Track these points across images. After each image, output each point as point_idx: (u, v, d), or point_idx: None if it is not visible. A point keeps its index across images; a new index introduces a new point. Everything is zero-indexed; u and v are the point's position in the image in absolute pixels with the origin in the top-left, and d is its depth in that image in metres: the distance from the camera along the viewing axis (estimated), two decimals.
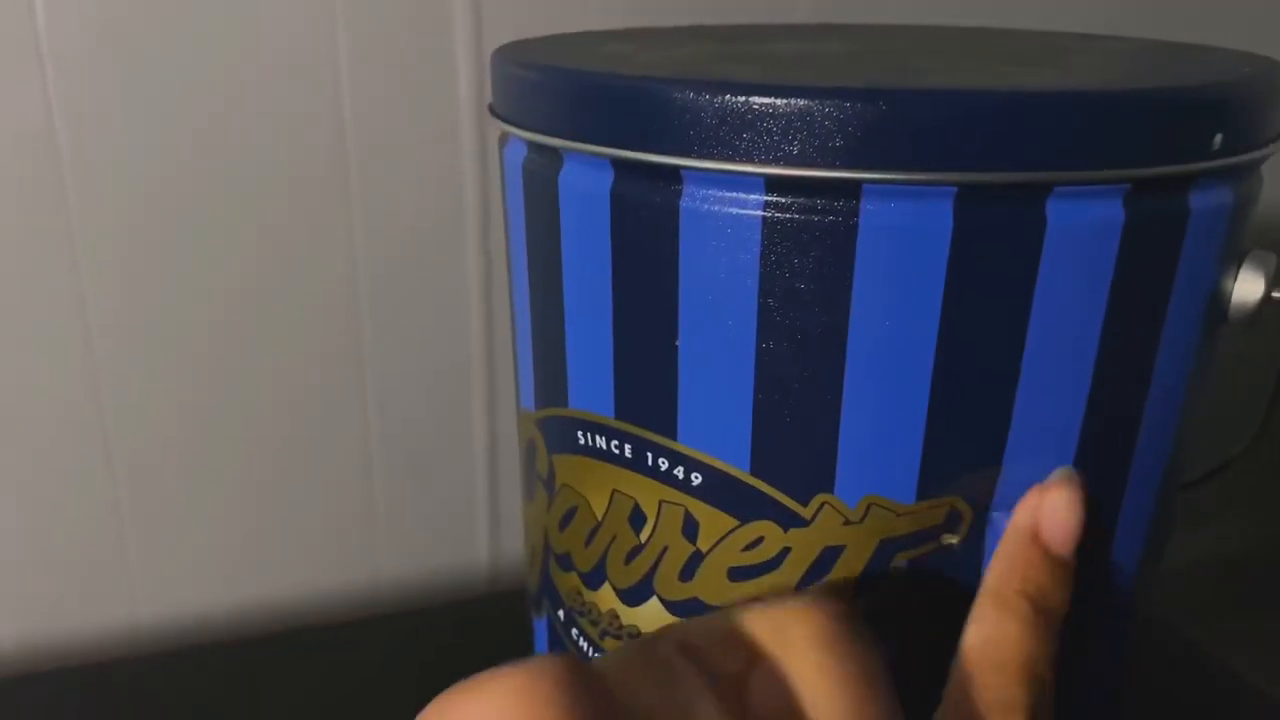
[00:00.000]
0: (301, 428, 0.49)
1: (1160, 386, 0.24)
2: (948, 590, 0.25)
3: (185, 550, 0.50)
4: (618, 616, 0.28)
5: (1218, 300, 0.24)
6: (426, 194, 0.47)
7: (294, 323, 0.47)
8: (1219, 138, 0.22)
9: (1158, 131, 0.21)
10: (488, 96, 0.44)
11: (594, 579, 0.29)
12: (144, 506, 0.48)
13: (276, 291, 0.46)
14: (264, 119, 0.43)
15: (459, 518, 0.55)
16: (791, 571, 0.25)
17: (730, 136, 0.22)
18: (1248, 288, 0.25)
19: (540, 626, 0.33)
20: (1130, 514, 0.26)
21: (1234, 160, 0.23)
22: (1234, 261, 0.25)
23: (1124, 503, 0.25)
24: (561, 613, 0.31)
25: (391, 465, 0.52)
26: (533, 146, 0.26)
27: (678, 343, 0.24)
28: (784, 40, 0.30)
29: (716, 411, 0.24)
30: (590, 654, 0.30)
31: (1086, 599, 0.26)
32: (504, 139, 0.28)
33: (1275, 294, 0.25)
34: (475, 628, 0.48)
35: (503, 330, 0.51)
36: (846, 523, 0.24)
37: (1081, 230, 0.21)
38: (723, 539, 0.25)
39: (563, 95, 0.25)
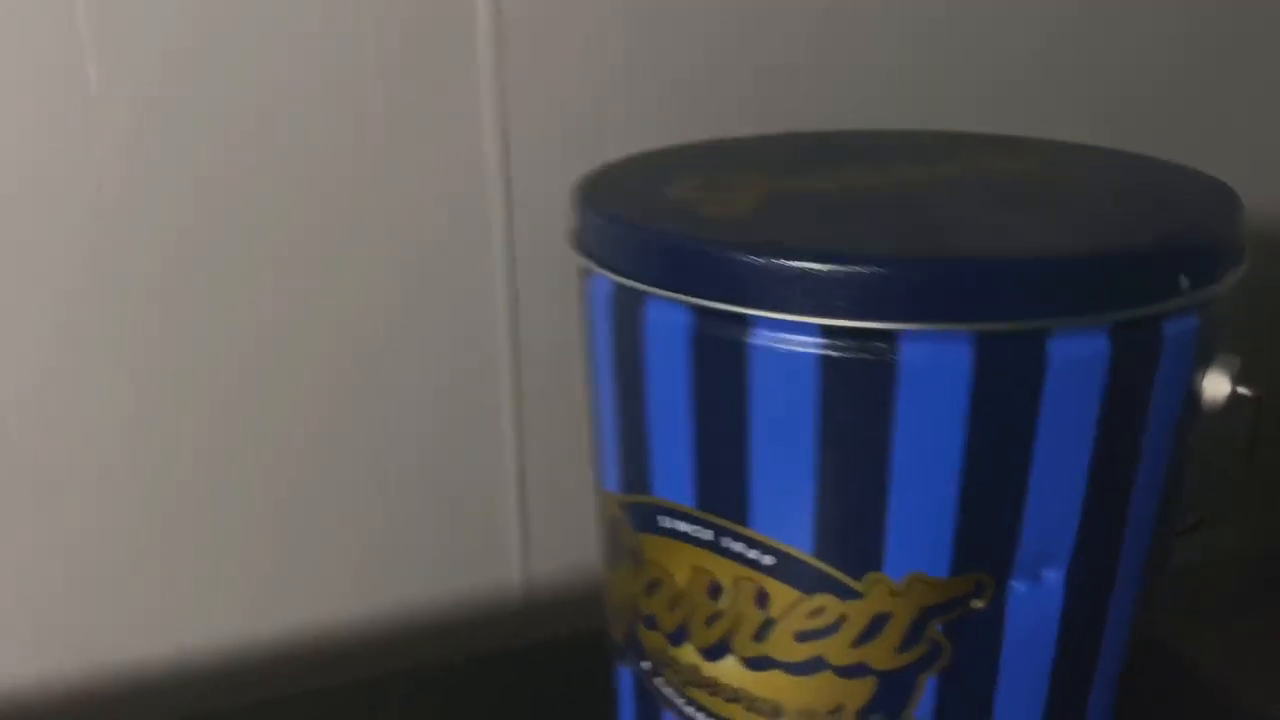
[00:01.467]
0: (329, 454, 0.53)
1: (1146, 474, 0.30)
2: (974, 646, 0.30)
3: (217, 577, 0.54)
4: (699, 669, 0.34)
5: (1190, 400, 0.30)
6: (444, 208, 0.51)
7: (320, 353, 0.51)
8: (1185, 281, 0.27)
9: (1134, 280, 0.27)
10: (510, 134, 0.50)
11: (677, 638, 0.34)
12: (171, 536, 0.52)
13: (299, 321, 0.51)
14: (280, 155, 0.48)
15: (490, 539, 0.59)
16: (848, 634, 0.30)
17: (789, 293, 0.27)
18: (1216, 387, 0.30)
19: (625, 674, 0.38)
20: (1125, 573, 0.31)
21: (1198, 295, 0.28)
22: (1203, 368, 0.30)
23: (1119, 565, 0.31)
24: (647, 664, 0.36)
25: (418, 490, 0.56)
26: (619, 285, 0.32)
27: (749, 452, 0.29)
28: (821, 172, 0.36)
29: (784, 507, 0.30)
30: (675, 698, 0.35)
31: (1090, 643, 0.32)
32: (589, 270, 0.34)
33: (1239, 390, 0.30)
34: (509, 648, 0.53)
35: (529, 358, 0.55)
36: (893, 594, 0.29)
37: (1076, 363, 0.27)
38: (790, 608, 0.31)
39: (646, 250, 0.30)
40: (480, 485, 0.58)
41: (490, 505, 0.59)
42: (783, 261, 0.27)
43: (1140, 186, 0.34)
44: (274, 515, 0.54)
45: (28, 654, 0.52)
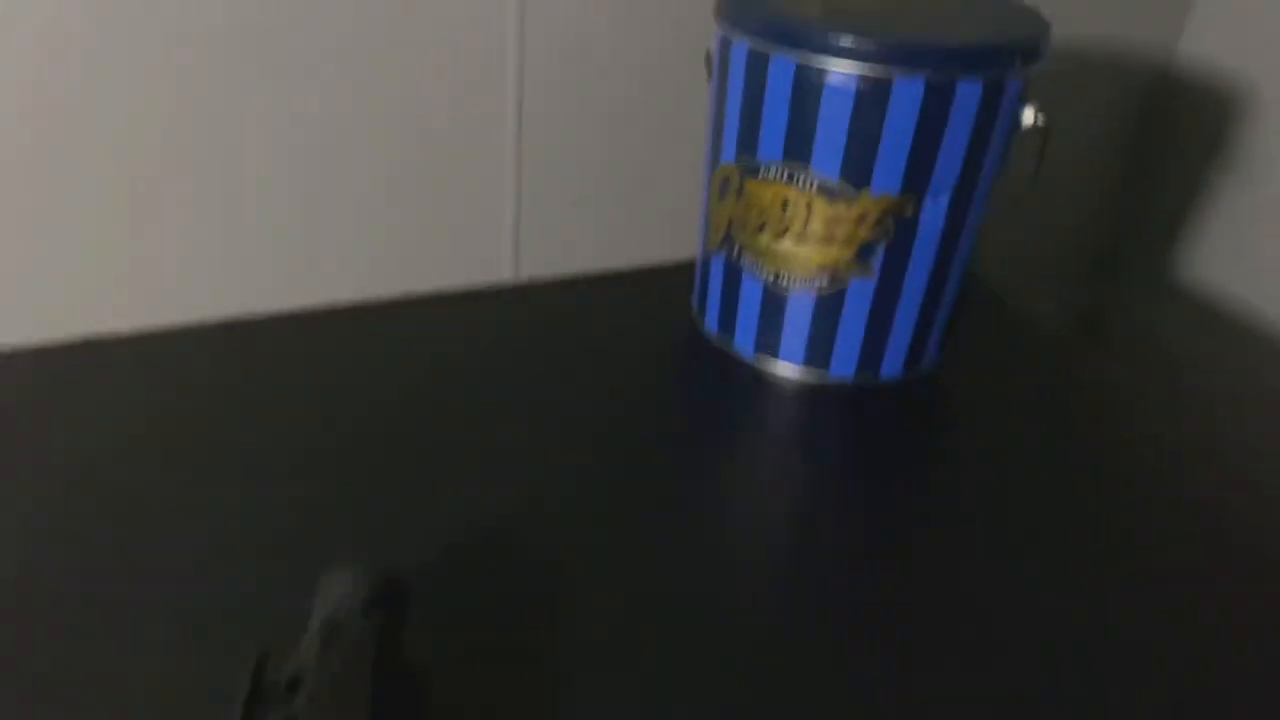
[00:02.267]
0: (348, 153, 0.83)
1: (993, 155, 0.64)
2: (906, 232, 0.65)
3: (265, 259, 0.84)
4: (767, 245, 0.68)
5: (1016, 123, 0.64)
6: None
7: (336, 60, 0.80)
8: (1018, 62, 0.61)
9: (995, 60, 0.60)
10: None
11: (757, 231, 0.68)
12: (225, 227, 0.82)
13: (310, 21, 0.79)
14: None
15: (489, 234, 0.88)
16: (849, 223, 0.65)
17: (845, 55, 0.60)
18: (1029, 117, 0.64)
19: (718, 260, 0.73)
20: (976, 205, 0.67)
21: (1024, 70, 0.62)
22: (1023, 106, 0.64)
23: (974, 198, 0.66)
24: (736, 249, 0.70)
25: (425, 191, 0.85)
26: (753, 49, 0.63)
27: (818, 130, 0.63)
28: None
29: (829, 156, 0.63)
30: (752, 265, 0.70)
31: (955, 240, 0.68)
32: (731, 40, 0.65)
33: (1038, 121, 0.65)
34: (502, 310, 0.87)
35: (532, 79, 0.84)
36: (873, 203, 0.64)
37: (968, 98, 0.61)
38: (822, 210, 0.65)
39: (775, 29, 0.62)
40: (479, 192, 0.82)
41: (488, 212, 0.84)
42: (843, 40, 0.60)
43: (1000, 11, 0.67)
44: (351, 204, 0.81)
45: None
